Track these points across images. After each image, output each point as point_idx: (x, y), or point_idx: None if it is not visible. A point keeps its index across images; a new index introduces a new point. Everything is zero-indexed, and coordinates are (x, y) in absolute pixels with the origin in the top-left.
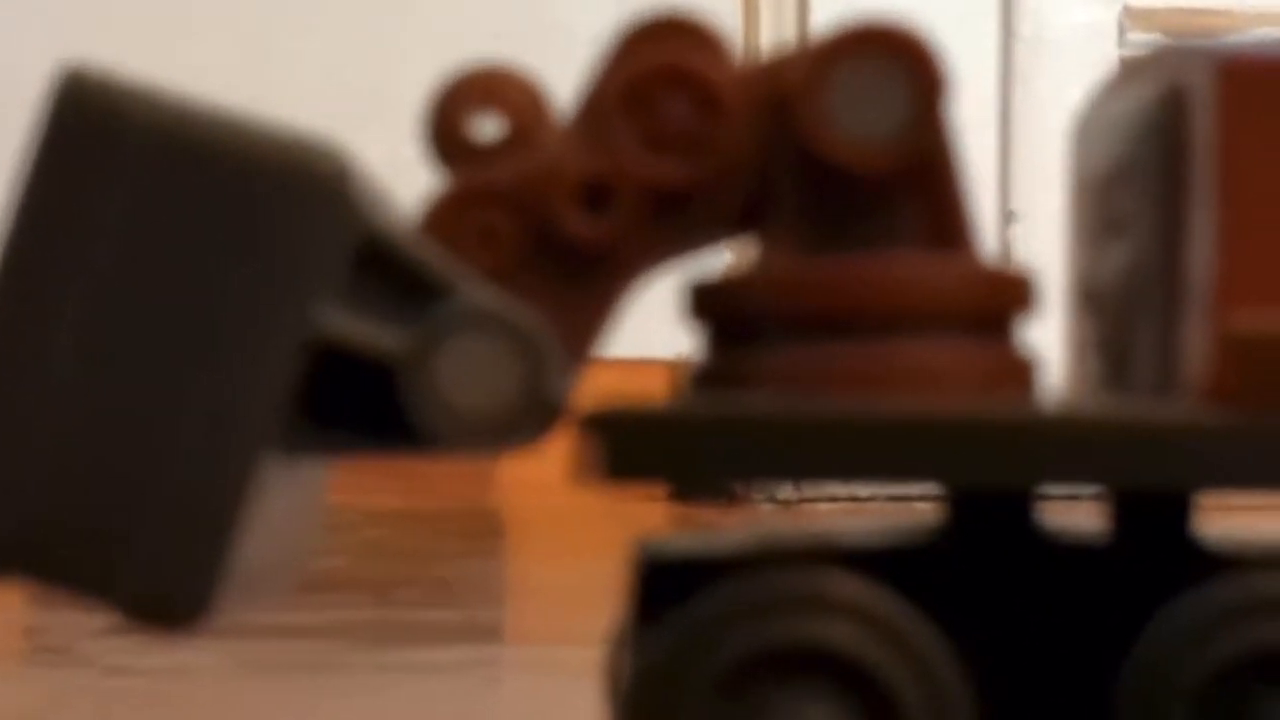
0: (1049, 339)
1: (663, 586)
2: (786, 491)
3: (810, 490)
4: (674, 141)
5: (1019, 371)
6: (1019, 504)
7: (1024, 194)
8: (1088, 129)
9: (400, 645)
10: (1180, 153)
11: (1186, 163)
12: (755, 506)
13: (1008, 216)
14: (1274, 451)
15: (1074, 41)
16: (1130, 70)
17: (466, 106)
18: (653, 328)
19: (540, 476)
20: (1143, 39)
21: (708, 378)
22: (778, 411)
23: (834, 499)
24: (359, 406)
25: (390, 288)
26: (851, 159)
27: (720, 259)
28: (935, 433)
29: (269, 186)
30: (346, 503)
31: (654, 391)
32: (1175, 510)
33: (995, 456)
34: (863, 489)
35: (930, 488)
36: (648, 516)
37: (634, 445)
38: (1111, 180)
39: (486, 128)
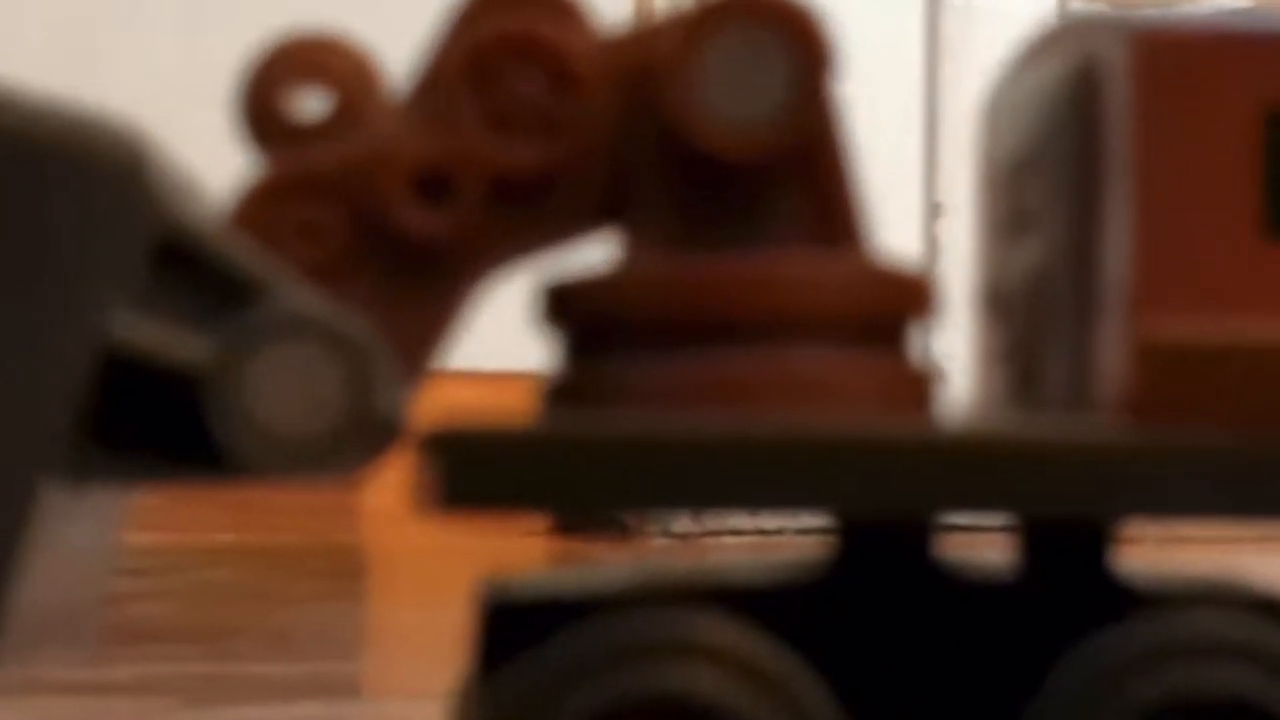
0: (961, 347)
1: (509, 631)
2: (683, 524)
3: (711, 523)
4: (524, 121)
5: (915, 385)
6: (915, 536)
7: (953, 184)
8: (995, 111)
9: (233, 703)
10: (1092, 136)
11: (1099, 148)
12: (648, 541)
13: (934, 210)
14: (1199, 474)
15: (1010, 9)
16: (1040, 44)
17: (285, 80)
18: (507, 336)
19: (408, 507)
20: (1087, 9)
21: (564, 393)
22: (639, 431)
23: (738, 532)
24: (158, 427)
25: (195, 290)
26: (725, 144)
27: (578, 257)
28: (818, 455)
29: (54, 174)
30: (175, 540)
31: (508, 409)
32: (1090, 542)
33: (887, 482)
34: (771, 521)
35: (822, 518)
36: (527, 552)
37: (473, 471)
38: (1019, 168)
39: (308, 105)
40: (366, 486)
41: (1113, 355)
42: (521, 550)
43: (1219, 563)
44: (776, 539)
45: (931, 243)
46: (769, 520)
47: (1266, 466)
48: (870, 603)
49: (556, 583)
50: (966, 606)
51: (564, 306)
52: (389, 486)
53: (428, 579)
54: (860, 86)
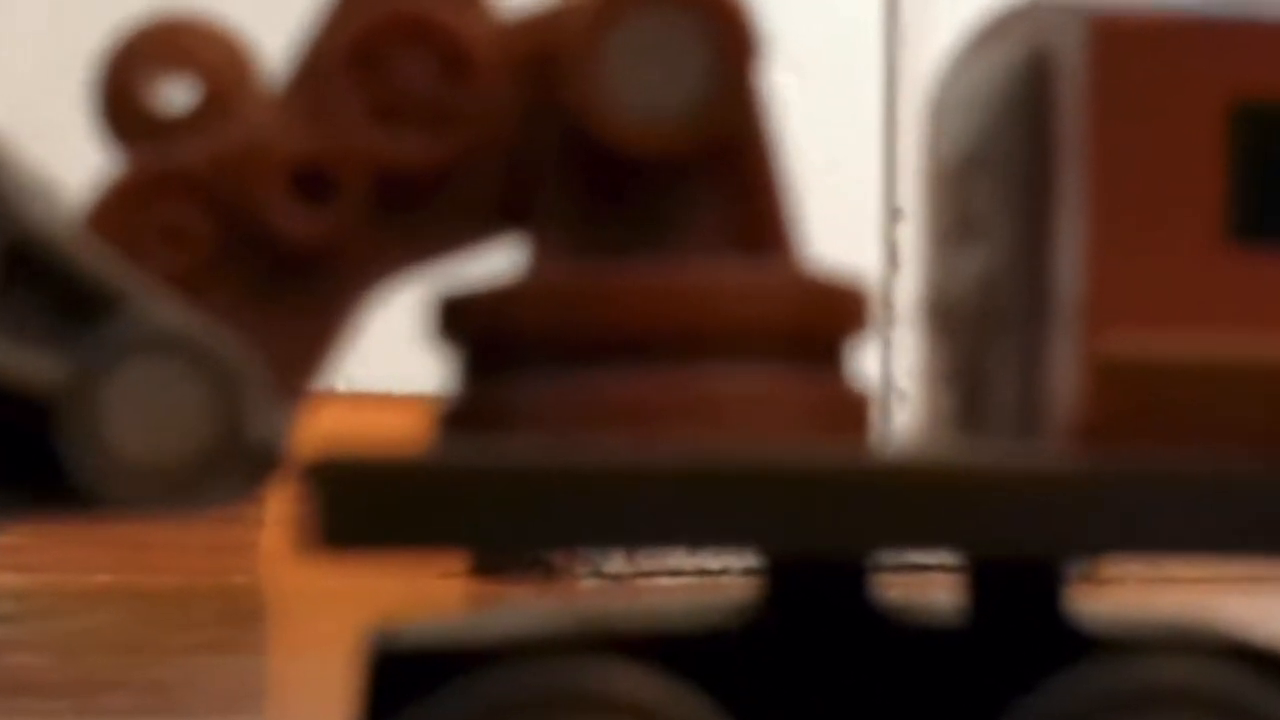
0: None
1: (397, 683)
2: (615, 563)
3: (646, 562)
4: (413, 113)
5: (849, 408)
6: (850, 576)
7: (914, 187)
8: (941, 105)
9: None
10: (1043, 133)
11: (1050, 145)
12: (576, 582)
13: (893, 215)
14: (1162, 506)
15: None
16: (988, 31)
17: (147, 68)
18: (396, 354)
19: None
20: None
21: (460, 417)
22: (540, 460)
23: (677, 572)
24: (7, 457)
25: (45, 302)
26: (637, 140)
27: (476, 264)
28: (740, 486)
29: None
30: (46, 582)
31: (397, 435)
32: (1042, 582)
33: (817, 516)
34: (714, 560)
35: (750, 556)
36: (443, 595)
37: (355, 505)
38: (965, 168)
39: (173, 95)
40: (263, 522)
41: (1065, 374)
42: (437, 593)
43: (1203, 604)
44: (720, 579)
45: (890, 251)
46: (711, 559)
47: (1237, 496)
48: (801, 649)
49: (451, 630)
50: (907, 653)
51: (460, 320)
52: (289, 521)
53: (333, 626)
54: (810, 78)
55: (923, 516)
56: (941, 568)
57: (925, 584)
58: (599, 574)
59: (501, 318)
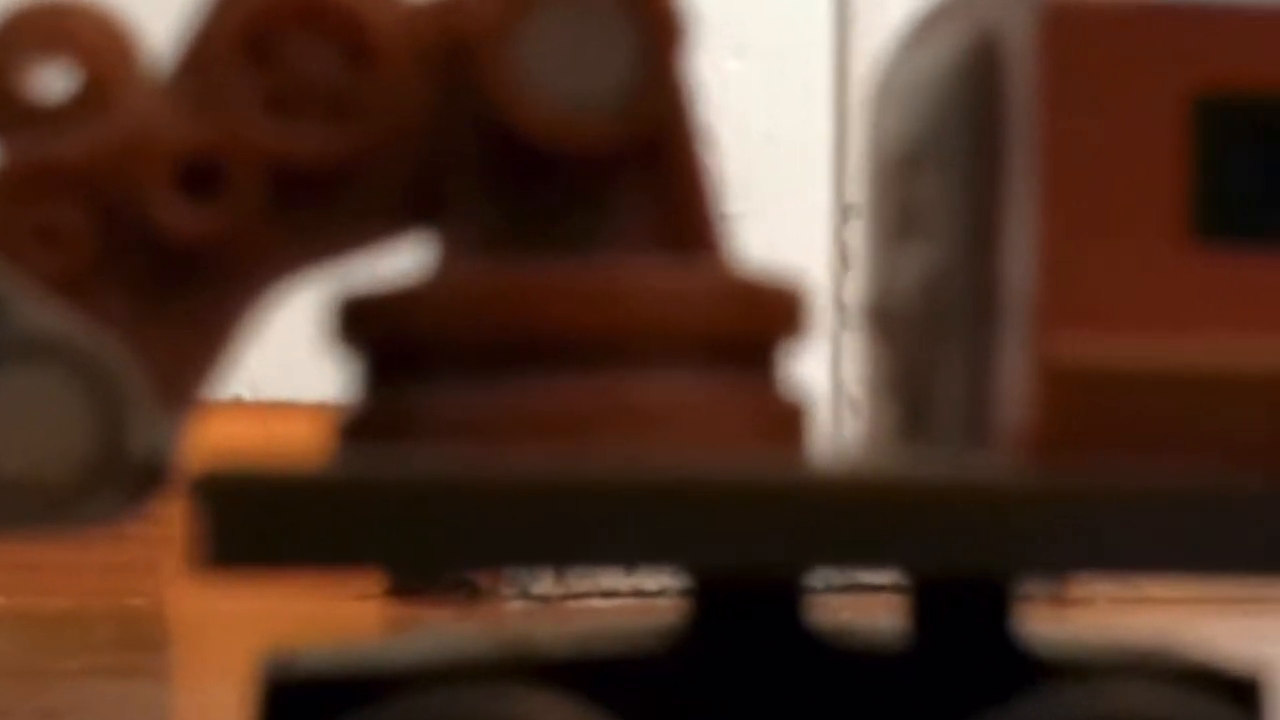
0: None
1: (291, 713)
2: (544, 584)
3: (578, 583)
4: (311, 103)
5: (783, 417)
6: (784, 597)
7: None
8: (884, 93)
9: None
10: (991, 123)
11: (999, 136)
12: (501, 604)
13: (845, 211)
14: (1118, 522)
15: None
16: (935, 15)
17: (22, 53)
18: (294, 360)
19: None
20: None
21: (363, 427)
22: (447, 474)
23: (612, 594)
24: None
25: None
26: (555, 132)
27: (381, 264)
28: (666, 501)
29: None
30: None
31: (295, 446)
32: (990, 603)
33: (749, 533)
34: (649, 580)
35: (680, 576)
36: (358, 618)
37: (247, 522)
38: (909, 161)
39: (50, 82)
40: (164, 540)
41: (1015, 381)
42: (352, 616)
43: (1177, 626)
44: (657, 601)
45: (841, 248)
46: (647, 579)
47: (1199, 512)
48: (732, 675)
49: (354, 656)
50: (846, 678)
51: (363, 324)
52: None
53: (240, 651)
54: (755, 62)
55: (861, 533)
56: (883, 588)
57: (865, 605)
58: (526, 595)
59: (408, 320)
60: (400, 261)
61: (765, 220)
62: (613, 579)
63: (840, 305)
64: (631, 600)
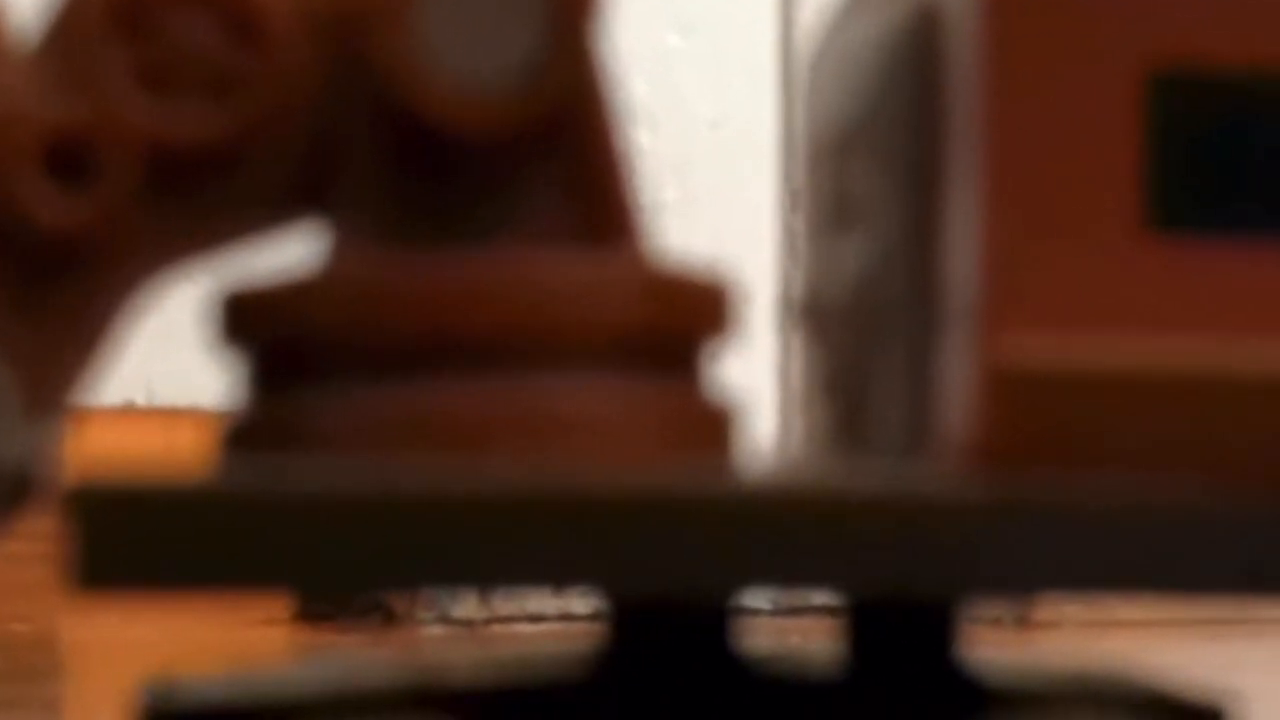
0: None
1: None
2: (466, 607)
3: (502, 605)
4: (191, 81)
5: (707, 423)
6: (709, 620)
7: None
8: (819, 71)
9: None
10: (931, 103)
11: (939, 118)
12: (419, 629)
13: (791, 198)
14: (1070, 538)
15: None
16: None
17: None
18: (176, 361)
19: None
20: None
21: (250, 434)
22: (336, 486)
23: (539, 618)
24: None
25: None
26: (456, 113)
27: (267, 257)
28: (578, 516)
29: None
30: None
31: (176, 456)
32: (933, 626)
33: (670, 550)
34: (581, 604)
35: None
36: (263, 645)
37: (117, 538)
38: (844, 143)
39: None
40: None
41: (959, 385)
42: (258, 642)
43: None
44: (590, 625)
45: (790, 240)
46: (579, 602)
47: (1160, 527)
48: (653, 705)
49: (243, 685)
50: (777, 709)
51: (249, 322)
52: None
53: (136, 681)
54: (699, 39)
55: (792, 550)
56: (816, 610)
57: (798, 629)
58: (446, 620)
59: (298, 318)
60: (289, 253)
61: (708, 208)
62: (540, 602)
63: (789, 299)
64: (560, 625)
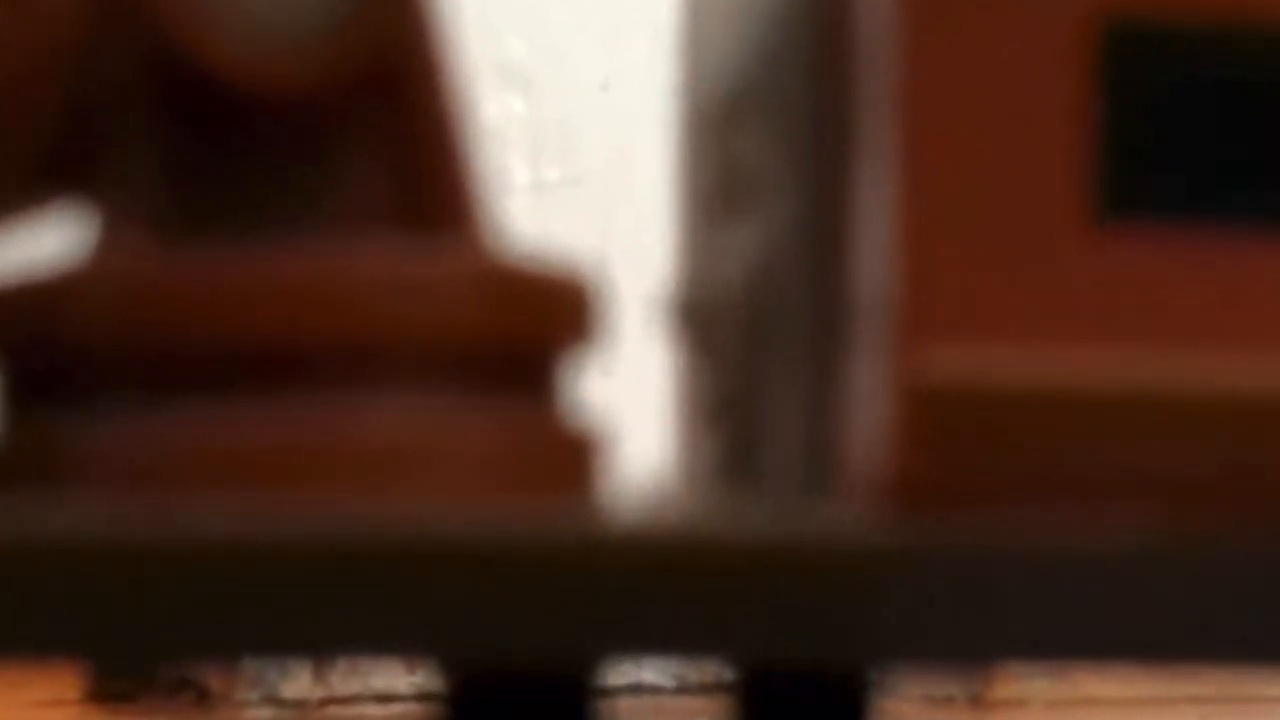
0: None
1: None
2: (298, 685)
3: (344, 683)
4: None
5: (562, 454)
6: (566, 698)
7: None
8: (698, 18)
9: None
10: (836, 61)
11: (846, 79)
12: (240, 711)
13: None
14: (1007, 594)
15: None
16: None
17: None
18: None
19: None
20: None
21: (4, 463)
22: (92, 532)
23: (387, 697)
24: None
25: None
26: (247, 70)
27: (14, 247)
28: (394, 571)
29: None
30: None
31: None
32: (839, 702)
33: (513, 613)
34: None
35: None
36: None
37: None
38: (730, 110)
39: None
40: None
41: (870, 407)
42: None
43: None
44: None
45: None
46: (430, 680)
47: (1124, 576)
48: None
49: None
50: None
51: None
52: None
53: None
54: None
55: (667, 613)
56: (695, 687)
57: (672, 708)
58: (274, 700)
59: (54, 324)
60: (45, 244)
61: (597, 188)
62: (387, 678)
63: (670, 300)
64: (413, 705)
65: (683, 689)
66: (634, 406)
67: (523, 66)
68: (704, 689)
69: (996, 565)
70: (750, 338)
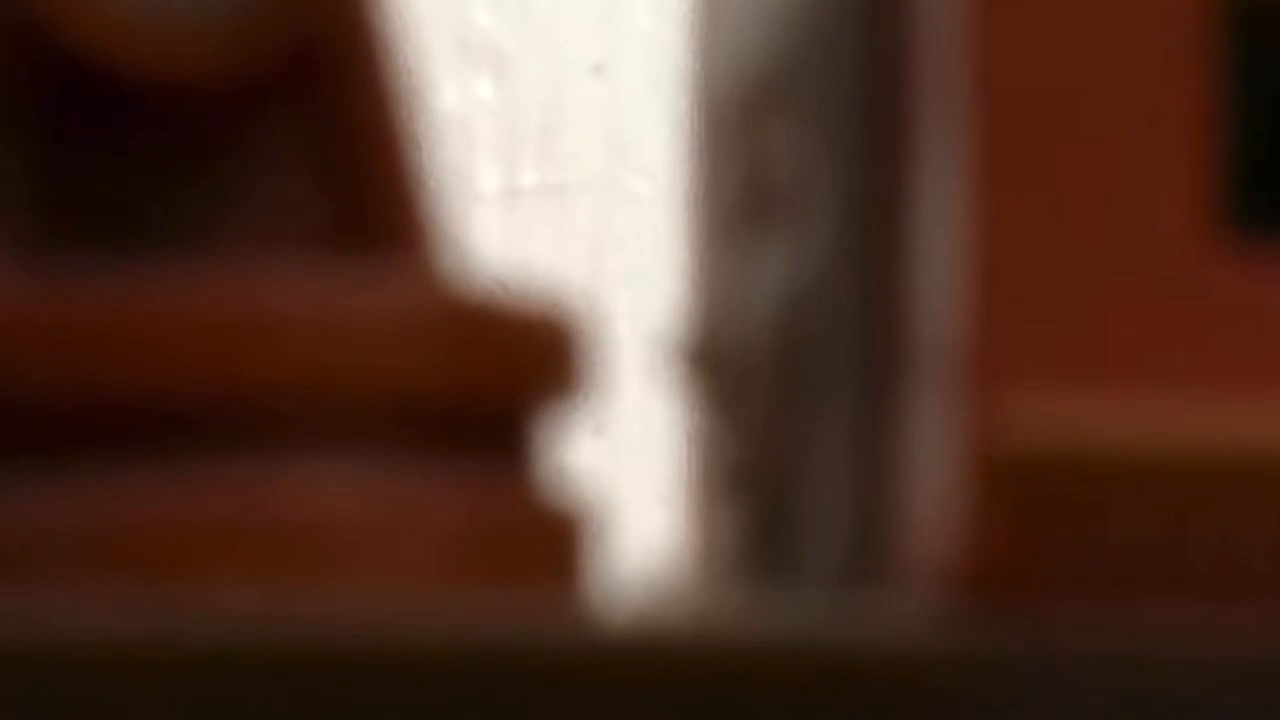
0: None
1: None
2: None
3: None
4: None
5: (538, 536)
6: None
7: None
8: (714, 6)
9: None
10: (890, 50)
11: (903, 70)
12: None
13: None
14: (1108, 707)
15: None
16: None
17: None
18: None
19: None
20: None
21: None
22: None
23: None
24: None
25: None
26: (138, 55)
27: None
28: (326, 679)
29: None
30: None
31: None
32: None
33: None
34: None
35: None
36: None
37: None
38: (760, 106)
39: None
40: None
41: (933, 473)
42: None
43: None
44: None
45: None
46: None
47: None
48: None
49: None
50: None
51: None
52: None
53: None
54: None
55: None
56: None
57: None
58: None
59: None
60: None
61: (586, 197)
62: None
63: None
64: None
65: None
66: (632, 474)
67: (493, 43)
68: None
69: (1093, 675)
70: (781, 387)
